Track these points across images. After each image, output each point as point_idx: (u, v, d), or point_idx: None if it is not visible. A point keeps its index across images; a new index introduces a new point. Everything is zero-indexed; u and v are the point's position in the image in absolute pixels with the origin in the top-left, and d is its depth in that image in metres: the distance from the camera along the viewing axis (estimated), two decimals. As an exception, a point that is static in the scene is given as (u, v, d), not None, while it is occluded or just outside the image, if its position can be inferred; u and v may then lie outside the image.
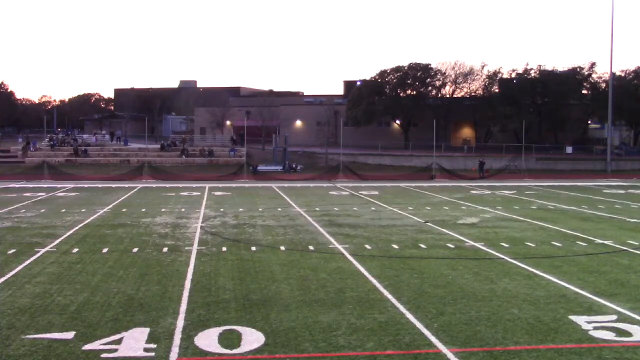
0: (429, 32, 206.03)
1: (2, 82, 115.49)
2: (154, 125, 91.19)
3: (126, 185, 37.56)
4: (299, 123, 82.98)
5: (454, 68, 76.88)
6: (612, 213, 24.84)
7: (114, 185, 37.70)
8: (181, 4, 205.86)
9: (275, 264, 14.47)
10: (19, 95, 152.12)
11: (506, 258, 15.26)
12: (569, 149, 64.96)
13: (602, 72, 72.44)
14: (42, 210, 24.61)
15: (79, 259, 14.86)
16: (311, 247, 16.59)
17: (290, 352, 8.65)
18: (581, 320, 10.15)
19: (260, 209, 25.53)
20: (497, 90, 75.10)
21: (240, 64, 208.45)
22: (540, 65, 73.84)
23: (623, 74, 70.87)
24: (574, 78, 71.85)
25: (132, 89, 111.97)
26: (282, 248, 16.52)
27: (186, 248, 16.42)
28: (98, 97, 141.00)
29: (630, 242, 17.77)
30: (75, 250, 16.07)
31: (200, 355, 8.53)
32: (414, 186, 38.41)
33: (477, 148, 66.11)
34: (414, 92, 76.23)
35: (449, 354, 8.59)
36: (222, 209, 25.42)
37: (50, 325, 9.76)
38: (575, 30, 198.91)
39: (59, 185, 37.18)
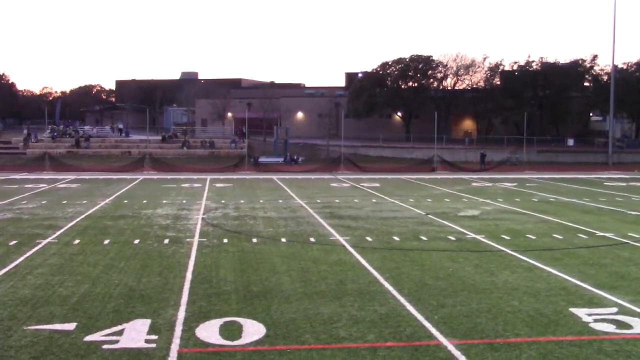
0: (431, 24, 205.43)
1: (3, 74, 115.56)
2: (155, 117, 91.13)
3: (127, 177, 37.55)
4: (300, 115, 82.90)
5: (455, 60, 76.82)
6: (613, 205, 24.82)
7: (115, 177, 37.70)
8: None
9: (276, 255, 14.48)
10: (20, 86, 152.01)
11: (507, 250, 15.26)
12: (571, 142, 64.89)
13: (604, 64, 72.65)
14: (44, 202, 24.62)
15: (80, 251, 14.88)
16: (312, 239, 16.60)
17: (291, 343, 8.67)
18: (582, 312, 10.16)
19: (261, 201, 25.53)
20: (498, 83, 75.01)
21: (242, 56, 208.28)
22: (542, 58, 73.82)
23: (625, 67, 70.70)
24: (576, 70, 71.70)
25: (134, 81, 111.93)
26: (283, 240, 16.53)
27: (187, 240, 16.43)
28: (99, 88, 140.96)
29: (631, 234, 17.76)
30: (77, 241, 16.09)
31: (201, 347, 8.55)
32: (415, 178, 38.39)
33: (479, 140, 66.07)
34: (416, 84, 76.15)
35: (450, 346, 8.60)
36: (223, 201, 25.43)
37: (52, 316, 9.78)
38: (577, 23, 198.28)
39: (60, 177, 37.19)
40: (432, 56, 76.42)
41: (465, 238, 17.03)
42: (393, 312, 10.12)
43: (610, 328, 9.42)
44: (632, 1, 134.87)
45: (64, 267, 13.16)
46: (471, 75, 77.48)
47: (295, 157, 52.02)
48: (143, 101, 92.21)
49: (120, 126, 70.55)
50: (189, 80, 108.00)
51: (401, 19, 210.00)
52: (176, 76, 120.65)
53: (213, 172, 42.44)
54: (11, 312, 9.94)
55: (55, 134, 62.50)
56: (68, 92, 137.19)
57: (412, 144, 63.41)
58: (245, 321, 9.57)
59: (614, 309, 10.39)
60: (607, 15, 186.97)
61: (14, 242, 15.92)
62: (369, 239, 16.72)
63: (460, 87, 78.27)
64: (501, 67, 75.15)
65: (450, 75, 77.44)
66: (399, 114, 78.47)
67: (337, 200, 25.89)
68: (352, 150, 56.90)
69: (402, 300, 10.80)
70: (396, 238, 16.87)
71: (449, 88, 77.87)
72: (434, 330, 9.24)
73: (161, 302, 10.54)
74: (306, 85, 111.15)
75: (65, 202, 24.70)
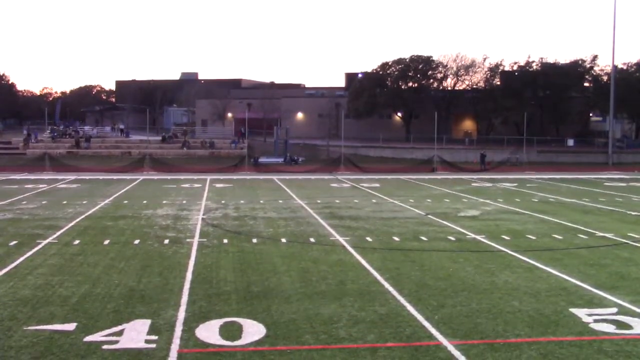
0: (431, 24, 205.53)
1: (3, 74, 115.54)
2: (155, 117, 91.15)
3: (127, 177, 37.55)
4: (300, 115, 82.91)
5: (455, 60, 76.78)
6: (613, 206, 24.82)
7: (115, 177, 37.70)
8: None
9: (276, 256, 14.48)
10: (20, 86, 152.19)
11: (507, 251, 15.26)
12: (571, 142, 64.83)
13: (604, 64, 72.46)
14: (44, 202, 24.63)
15: (81, 251, 14.89)
16: (312, 240, 16.60)
17: (291, 344, 8.67)
18: (582, 312, 10.16)
19: (261, 201, 25.54)
20: (498, 83, 74.99)
21: (242, 56, 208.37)
22: (542, 58, 73.81)
23: (625, 67, 70.67)
24: (576, 71, 71.69)
25: (134, 81, 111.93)
26: (283, 240, 16.53)
27: (187, 240, 16.43)
28: (99, 89, 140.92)
29: (631, 235, 17.76)
30: (77, 242, 16.09)
31: (201, 347, 8.55)
32: (415, 178, 38.39)
33: (479, 140, 66.05)
34: (416, 85, 76.14)
35: (450, 347, 8.60)
36: (223, 201, 25.43)
37: (52, 316, 9.78)
38: (578, 23, 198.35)
39: (60, 177, 37.19)
40: (432, 56, 76.44)
41: (465, 238, 17.03)
42: (393, 312, 10.12)
43: (610, 328, 9.42)
44: (632, 1, 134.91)
45: (64, 267, 13.16)
46: (471, 76, 77.46)
47: (295, 158, 52.02)
48: (143, 101, 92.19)
49: (122, 126, 70.61)
50: (189, 80, 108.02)
51: (401, 19, 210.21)
52: (176, 76, 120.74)
53: (213, 172, 42.42)
54: (11, 313, 9.94)
55: (55, 134, 62.51)
56: (68, 92, 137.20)
57: (412, 144, 63.39)
58: (245, 321, 9.57)
59: (614, 309, 10.39)
60: (607, 15, 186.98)
61: (14, 242, 15.92)
62: (369, 239, 16.72)
63: (460, 88, 78.24)
64: (501, 68, 75.14)
65: (450, 76, 77.42)
66: (399, 114, 78.45)
67: (337, 201, 25.89)
68: (352, 151, 56.89)
69: (402, 300, 10.80)
70: (396, 238, 16.87)
71: (449, 88, 77.83)
72: (434, 331, 9.24)
73: (161, 303, 10.54)
74: (306, 86, 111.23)
75: (65, 202, 24.70)
